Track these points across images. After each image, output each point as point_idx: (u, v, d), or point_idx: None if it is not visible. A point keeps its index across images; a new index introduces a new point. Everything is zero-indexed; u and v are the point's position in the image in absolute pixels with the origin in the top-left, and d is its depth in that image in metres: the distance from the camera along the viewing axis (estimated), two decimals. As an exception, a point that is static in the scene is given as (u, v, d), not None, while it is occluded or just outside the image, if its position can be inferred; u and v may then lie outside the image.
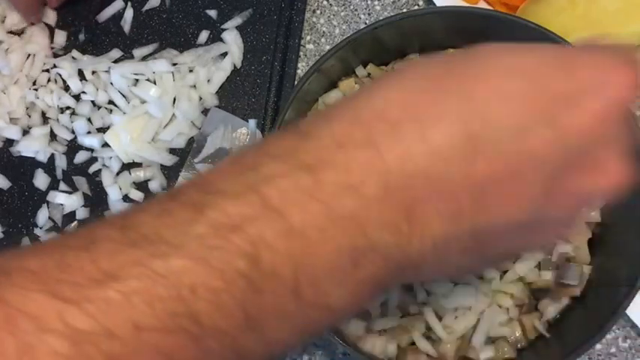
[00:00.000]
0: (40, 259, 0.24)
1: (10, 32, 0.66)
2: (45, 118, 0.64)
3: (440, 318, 0.54)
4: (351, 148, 0.26)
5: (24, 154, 0.64)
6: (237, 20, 0.66)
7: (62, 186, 0.63)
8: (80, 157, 0.64)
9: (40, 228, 0.62)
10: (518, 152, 0.27)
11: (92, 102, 0.64)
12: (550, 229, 0.31)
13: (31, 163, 0.64)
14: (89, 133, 0.64)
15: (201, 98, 0.64)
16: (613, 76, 0.29)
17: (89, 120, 0.64)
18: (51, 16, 0.66)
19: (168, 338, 0.22)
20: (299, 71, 0.66)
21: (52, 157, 0.64)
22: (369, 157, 0.25)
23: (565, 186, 0.29)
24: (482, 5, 0.65)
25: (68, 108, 0.65)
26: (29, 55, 0.65)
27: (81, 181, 0.63)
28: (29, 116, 0.64)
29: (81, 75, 0.65)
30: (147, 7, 0.67)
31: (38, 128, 0.64)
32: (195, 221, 0.24)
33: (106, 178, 0.63)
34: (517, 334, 0.55)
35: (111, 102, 0.64)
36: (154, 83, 0.64)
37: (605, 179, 0.30)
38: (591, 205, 0.33)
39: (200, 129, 0.64)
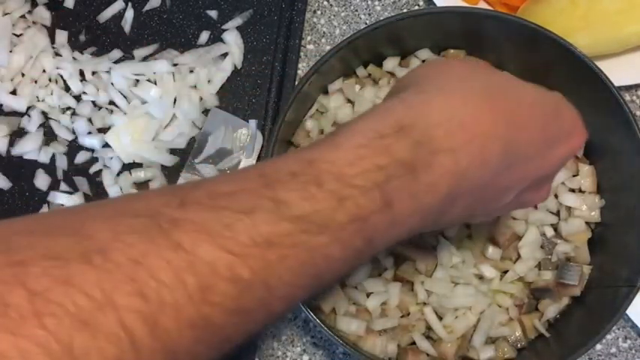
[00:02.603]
0: (201, 214, 0.30)
1: (12, 34, 0.66)
2: (46, 119, 0.65)
3: (440, 318, 0.54)
4: (441, 153, 0.34)
5: (22, 155, 0.64)
6: (237, 21, 0.66)
7: (63, 186, 0.63)
8: (81, 157, 0.64)
9: (41, 228, 0.62)
10: (522, 170, 0.39)
11: (93, 102, 0.64)
12: (501, 210, 0.43)
13: (32, 164, 0.64)
14: (90, 133, 0.64)
15: (201, 99, 0.64)
16: (579, 131, 0.42)
17: (90, 120, 0.64)
18: (51, 17, 0.67)
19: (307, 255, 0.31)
20: (299, 72, 0.66)
21: (52, 158, 0.64)
22: (451, 163, 0.34)
23: (520, 195, 0.41)
24: (483, 5, 0.65)
25: (69, 108, 0.65)
26: (30, 55, 0.65)
27: (81, 182, 0.63)
28: (29, 116, 0.64)
29: (81, 75, 0.65)
30: (147, 7, 0.67)
31: (37, 129, 0.64)
32: (334, 210, 0.32)
33: (107, 179, 0.63)
34: (517, 334, 0.55)
35: (111, 102, 0.64)
36: (155, 84, 0.64)
37: (538, 197, 0.44)
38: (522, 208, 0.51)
39: (201, 129, 0.64)
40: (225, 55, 0.65)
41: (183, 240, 0.28)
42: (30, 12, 0.67)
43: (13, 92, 0.65)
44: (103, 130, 0.64)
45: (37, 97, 0.65)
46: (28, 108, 0.65)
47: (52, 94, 0.64)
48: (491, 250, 0.55)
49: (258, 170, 0.33)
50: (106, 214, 0.30)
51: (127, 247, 0.27)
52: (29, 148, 0.64)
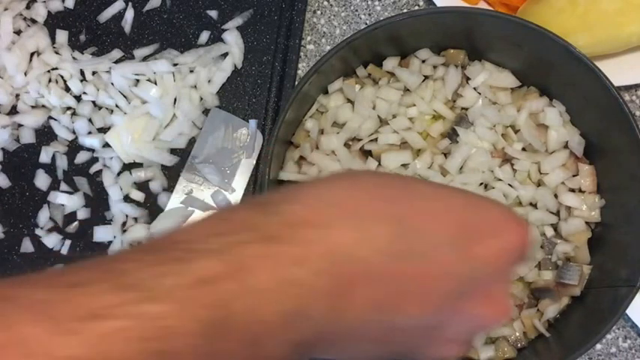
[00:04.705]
0: (34, 291, 0.27)
1: (12, 32, 0.66)
2: (46, 118, 0.65)
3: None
4: (307, 227, 0.30)
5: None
6: (237, 21, 0.66)
7: (63, 186, 0.63)
8: (81, 157, 0.64)
9: (41, 228, 0.63)
10: (432, 262, 0.33)
11: (93, 102, 0.64)
12: (446, 342, 0.36)
13: (32, 163, 0.64)
14: (90, 133, 0.64)
15: (201, 99, 0.64)
16: (513, 226, 0.35)
17: (90, 120, 0.64)
18: (51, 17, 0.67)
19: None
20: (299, 72, 0.66)
21: (52, 158, 0.64)
22: (321, 237, 0.30)
23: (461, 307, 0.34)
24: (483, 5, 0.66)
25: (69, 108, 0.65)
26: (31, 55, 0.65)
27: (82, 182, 0.63)
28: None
29: (82, 75, 0.65)
30: (147, 7, 0.67)
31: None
32: (177, 274, 0.28)
33: (107, 179, 0.63)
34: (517, 334, 0.55)
35: (112, 102, 0.64)
36: (155, 83, 0.64)
37: (492, 311, 0.36)
38: (480, 330, 0.38)
39: (201, 129, 0.64)
40: (225, 55, 0.65)
41: (6, 318, 0.26)
42: (28, 8, 0.67)
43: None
44: (103, 130, 0.64)
45: (38, 97, 0.65)
46: (32, 107, 0.65)
47: (52, 94, 0.64)
48: (491, 250, 0.55)
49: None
50: None
51: None
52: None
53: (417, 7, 0.68)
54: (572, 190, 0.57)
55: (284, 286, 0.29)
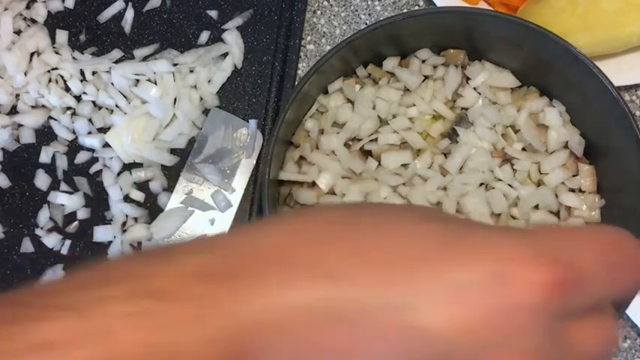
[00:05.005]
0: None
1: (12, 32, 0.66)
2: (46, 118, 0.65)
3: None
4: (208, 280, 0.23)
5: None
6: (237, 21, 0.66)
7: (63, 186, 0.63)
8: (81, 157, 0.64)
9: (41, 228, 0.62)
10: (372, 331, 0.23)
11: (93, 102, 0.65)
12: None
13: (32, 163, 0.64)
14: (90, 133, 0.64)
15: (201, 99, 0.64)
16: (520, 270, 0.23)
17: (90, 120, 0.64)
18: (51, 17, 0.67)
19: None
20: (299, 72, 0.66)
21: (52, 158, 0.64)
22: (226, 294, 0.23)
23: None
24: (483, 5, 0.66)
25: (69, 108, 0.65)
26: (31, 55, 0.65)
27: (82, 182, 0.63)
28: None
29: (82, 75, 0.65)
30: (147, 7, 0.67)
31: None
32: (15, 337, 0.22)
33: (107, 179, 0.63)
34: (517, 334, 0.55)
35: (111, 102, 0.64)
36: (155, 83, 0.64)
37: None
38: None
39: (201, 129, 0.64)
40: (225, 55, 0.65)
41: None
42: (28, 8, 0.67)
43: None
44: (103, 130, 0.64)
45: (38, 97, 0.65)
46: (32, 107, 0.65)
47: (52, 94, 0.64)
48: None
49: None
50: None
51: None
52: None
53: (417, 7, 0.68)
54: (572, 190, 0.57)
55: (155, 356, 0.23)
